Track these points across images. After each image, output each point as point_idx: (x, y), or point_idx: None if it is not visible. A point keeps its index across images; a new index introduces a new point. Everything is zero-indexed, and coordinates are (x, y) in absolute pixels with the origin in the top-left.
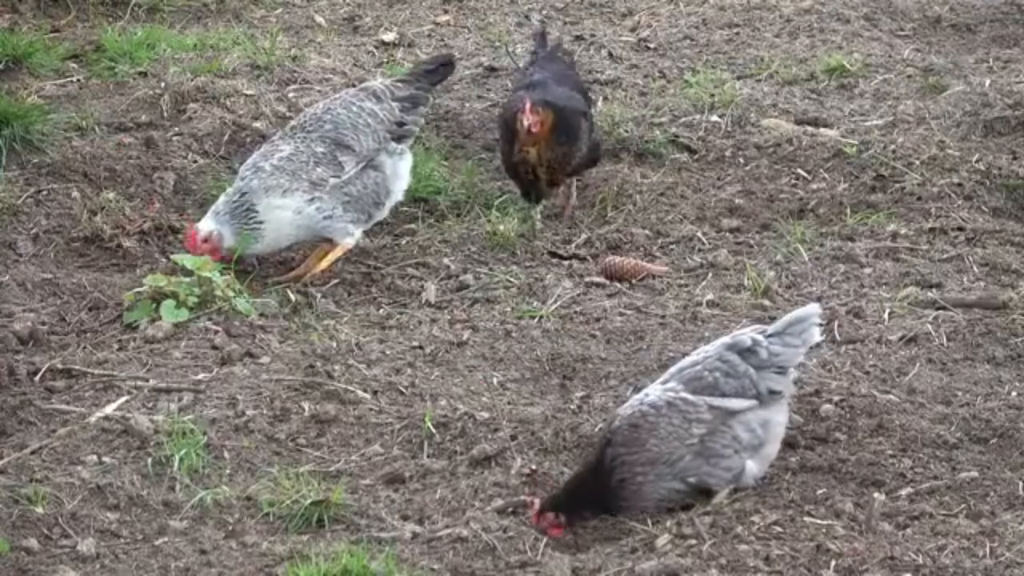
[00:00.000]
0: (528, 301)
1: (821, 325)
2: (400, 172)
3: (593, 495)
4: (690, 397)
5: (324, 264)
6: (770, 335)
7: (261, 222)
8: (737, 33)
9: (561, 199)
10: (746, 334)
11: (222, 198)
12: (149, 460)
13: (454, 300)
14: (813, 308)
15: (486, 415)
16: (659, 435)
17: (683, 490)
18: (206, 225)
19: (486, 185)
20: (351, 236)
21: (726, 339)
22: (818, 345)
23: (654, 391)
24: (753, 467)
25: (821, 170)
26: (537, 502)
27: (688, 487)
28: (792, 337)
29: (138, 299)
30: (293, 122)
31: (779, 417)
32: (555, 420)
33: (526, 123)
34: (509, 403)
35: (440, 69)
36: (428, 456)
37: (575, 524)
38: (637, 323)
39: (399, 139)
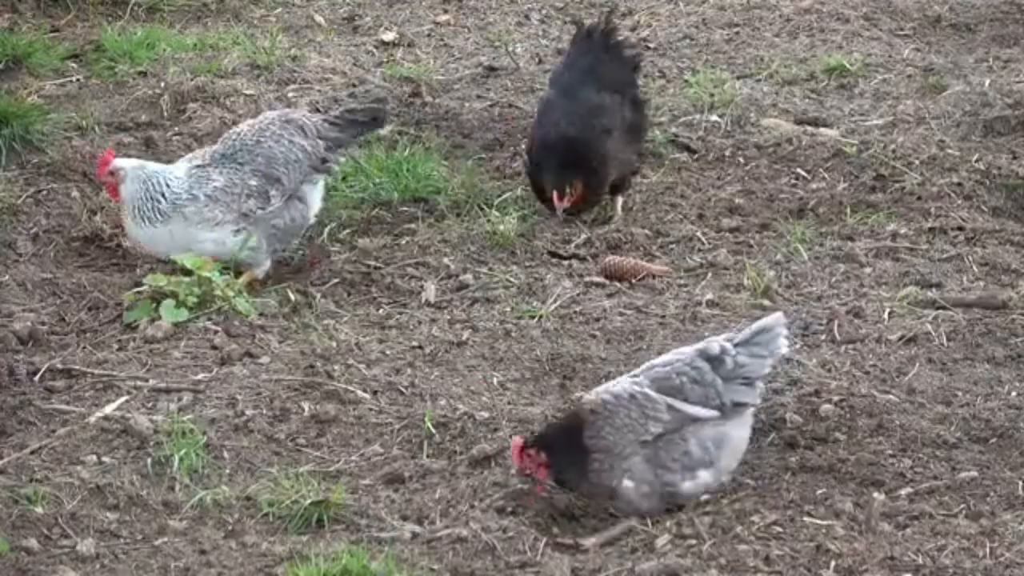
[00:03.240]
0: (528, 301)
1: (787, 335)
2: (315, 200)
3: (569, 451)
4: (652, 394)
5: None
6: (737, 344)
7: (166, 238)
8: (737, 33)
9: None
10: (715, 341)
11: (153, 179)
12: (149, 460)
13: (454, 300)
14: (778, 317)
15: (486, 415)
16: (614, 425)
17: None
18: (124, 163)
19: (486, 185)
20: (264, 267)
21: (699, 344)
22: (818, 345)
23: (623, 382)
24: (707, 477)
25: (821, 170)
26: (519, 440)
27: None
28: (759, 347)
29: (138, 299)
30: (219, 147)
31: (740, 432)
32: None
33: (559, 209)
34: (509, 403)
35: (370, 122)
36: (428, 456)
37: (557, 467)
38: (637, 323)
39: (319, 171)
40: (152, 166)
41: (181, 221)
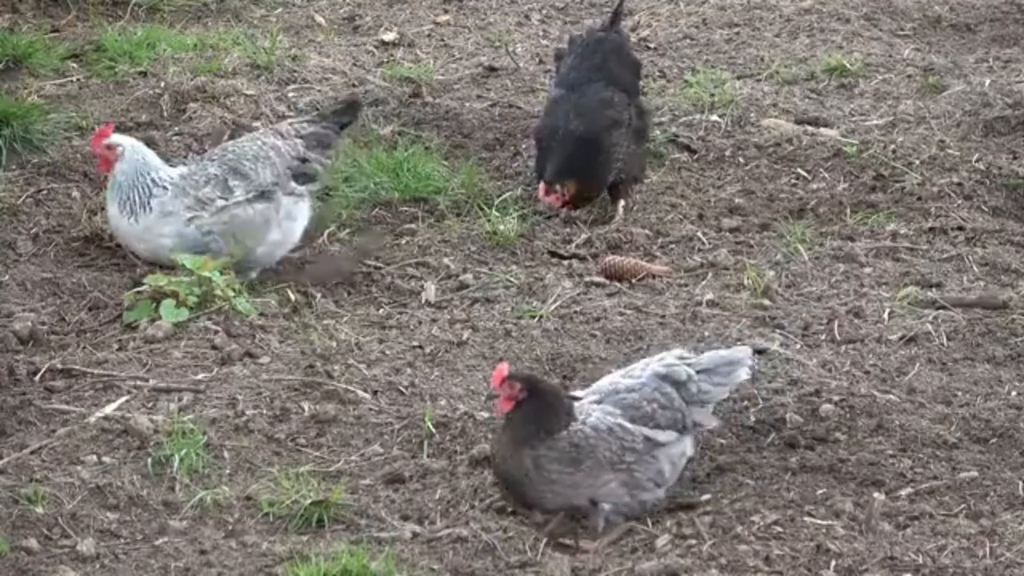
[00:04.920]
0: (528, 301)
1: (751, 366)
2: (294, 215)
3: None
4: (628, 425)
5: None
6: (700, 371)
7: (136, 227)
8: (737, 33)
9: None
10: (680, 366)
11: (151, 167)
12: (149, 460)
13: (454, 300)
14: (745, 351)
15: (486, 415)
16: (596, 458)
17: (583, 507)
18: (123, 140)
19: (486, 185)
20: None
21: (658, 367)
22: (818, 345)
23: (594, 412)
24: (661, 492)
25: (821, 170)
26: (506, 367)
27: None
28: (721, 376)
29: (138, 299)
30: (214, 149)
31: (690, 448)
32: None
33: (545, 204)
34: None
35: (348, 109)
36: (428, 456)
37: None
38: (637, 323)
39: (300, 179)
40: (150, 155)
41: (154, 213)
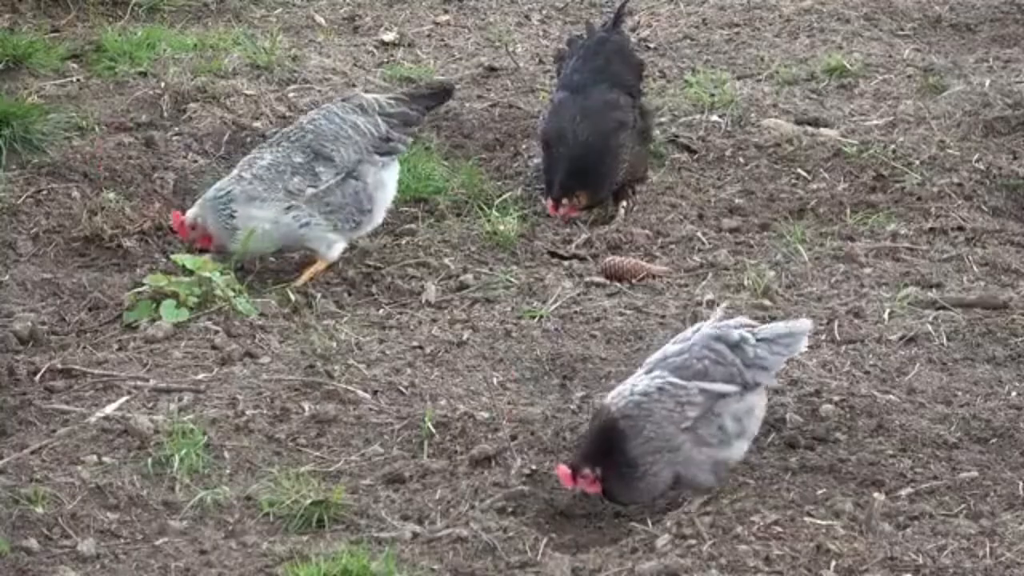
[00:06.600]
0: (528, 301)
1: (809, 339)
2: (384, 182)
3: (617, 467)
4: (679, 381)
5: (304, 278)
6: (760, 339)
7: (237, 228)
8: (737, 33)
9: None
10: (733, 329)
11: (211, 191)
12: (149, 460)
13: (454, 300)
14: (807, 324)
15: (486, 415)
16: (655, 420)
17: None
18: (192, 212)
19: (486, 185)
20: (333, 248)
21: (710, 330)
22: (818, 345)
23: (641, 381)
24: (743, 445)
25: (821, 170)
26: (563, 466)
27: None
28: (780, 347)
29: (138, 299)
30: (285, 129)
31: (762, 400)
32: (555, 420)
33: (557, 214)
34: (509, 403)
35: (438, 94)
36: (428, 456)
37: (608, 476)
38: (637, 323)
39: (384, 153)
40: (207, 193)
41: (240, 204)
